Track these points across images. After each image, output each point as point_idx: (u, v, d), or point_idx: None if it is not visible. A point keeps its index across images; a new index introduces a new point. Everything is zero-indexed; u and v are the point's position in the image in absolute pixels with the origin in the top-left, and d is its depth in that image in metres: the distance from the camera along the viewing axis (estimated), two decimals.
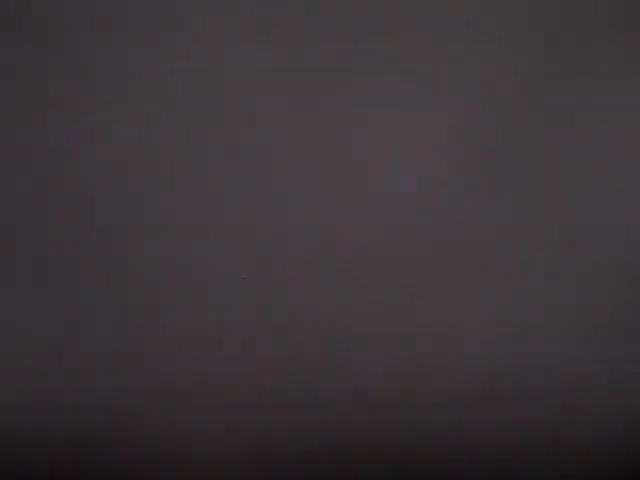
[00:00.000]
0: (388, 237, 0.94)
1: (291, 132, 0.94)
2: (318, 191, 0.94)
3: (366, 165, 0.94)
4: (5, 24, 0.94)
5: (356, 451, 0.94)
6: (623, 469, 0.94)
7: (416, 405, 0.94)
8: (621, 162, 0.95)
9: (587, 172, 0.95)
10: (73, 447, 0.93)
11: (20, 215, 0.93)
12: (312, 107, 0.94)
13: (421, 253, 0.94)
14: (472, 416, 0.94)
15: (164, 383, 0.93)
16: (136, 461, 0.93)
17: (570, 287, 0.95)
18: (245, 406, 0.94)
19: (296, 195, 0.94)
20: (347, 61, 0.94)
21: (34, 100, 0.94)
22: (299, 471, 0.93)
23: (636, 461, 0.94)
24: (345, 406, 0.94)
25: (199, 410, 0.93)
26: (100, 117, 0.94)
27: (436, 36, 0.95)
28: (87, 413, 0.93)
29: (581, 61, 0.95)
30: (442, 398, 0.94)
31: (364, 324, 0.94)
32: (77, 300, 0.93)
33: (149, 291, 0.93)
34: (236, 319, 0.94)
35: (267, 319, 0.94)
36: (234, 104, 0.94)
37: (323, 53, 0.94)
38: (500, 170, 0.95)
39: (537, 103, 0.95)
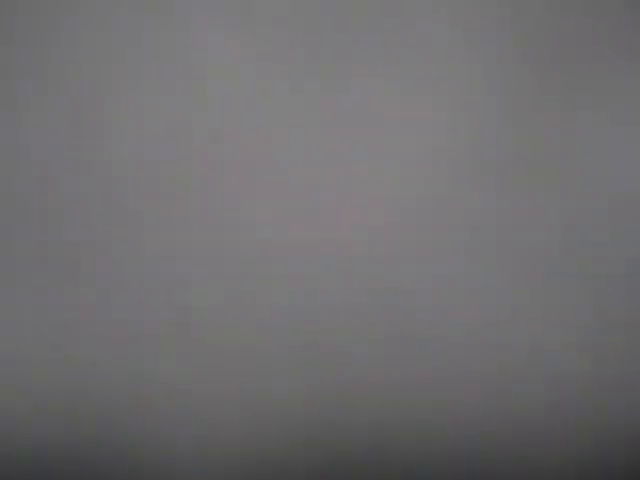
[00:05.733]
0: (388, 237, 0.94)
1: (292, 132, 0.94)
2: (317, 191, 0.94)
3: (366, 165, 0.95)
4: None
5: (357, 450, 0.94)
6: (623, 469, 0.94)
7: (416, 405, 0.94)
8: (621, 162, 0.95)
9: (587, 172, 0.95)
10: (74, 448, 0.93)
11: (20, 215, 0.94)
12: (312, 107, 0.95)
13: (422, 253, 0.94)
14: (472, 416, 0.94)
15: (164, 384, 0.93)
16: (137, 462, 0.93)
17: (571, 287, 0.95)
18: (244, 406, 0.94)
19: (296, 195, 0.94)
20: (347, 61, 0.95)
21: (34, 98, 0.94)
22: (299, 472, 0.93)
23: (636, 461, 0.94)
24: (344, 404, 0.94)
25: (200, 411, 0.93)
26: (102, 115, 0.94)
27: (437, 35, 0.95)
28: (86, 415, 0.93)
29: (582, 60, 0.96)
30: (443, 399, 0.94)
31: (364, 324, 0.94)
32: (77, 301, 0.93)
33: (149, 290, 0.93)
34: (236, 320, 0.94)
35: (267, 319, 0.94)
36: (234, 105, 0.94)
37: (323, 55, 0.95)
38: (500, 170, 0.95)
39: (537, 103, 0.95)
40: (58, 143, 0.94)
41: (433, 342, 0.94)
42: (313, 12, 0.95)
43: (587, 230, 0.95)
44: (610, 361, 0.95)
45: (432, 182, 0.95)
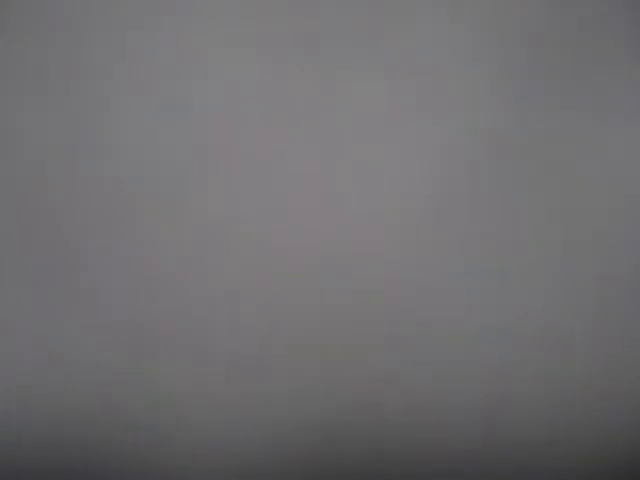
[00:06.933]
0: (389, 238, 0.94)
1: (292, 133, 0.94)
2: (318, 192, 0.94)
3: (367, 166, 0.94)
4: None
5: (357, 450, 0.94)
6: (623, 469, 0.94)
7: (416, 405, 0.94)
8: (620, 162, 0.95)
9: (588, 172, 0.95)
10: (72, 450, 0.93)
11: (20, 215, 0.94)
12: (312, 108, 0.94)
13: (422, 254, 0.94)
14: (472, 416, 0.94)
15: (164, 384, 0.93)
16: (137, 462, 0.93)
17: (571, 288, 0.95)
18: (244, 407, 0.94)
19: (296, 196, 0.94)
20: (347, 62, 0.95)
21: (34, 98, 0.94)
22: (302, 473, 0.93)
23: (636, 461, 0.94)
24: (344, 406, 0.94)
25: (200, 411, 0.93)
26: (102, 115, 0.94)
27: (436, 37, 0.95)
28: (86, 415, 0.93)
29: (582, 61, 0.95)
30: (442, 399, 0.94)
31: (364, 325, 0.94)
32: (77, 301, 0.93)
33: (149, 291, 0.93)
34: (236, 320, 0.94)
35: (267, 319, 0.94)
36: (234, 106, 0.94)
37: (324, 55, 0.95)
38: (501, 170, 0.95)
39: (538, 104, 0.95)
40: (58, 143, 0.94)
41: (432, 343, 0.94)
42: (313, 12, 0.95)
43: (588, 230, 0.95)
44: (611, 361, 0.95)
45: (432, 182, 0.95)
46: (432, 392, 0.94)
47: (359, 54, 0.94)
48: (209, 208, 0.94)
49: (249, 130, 0.94)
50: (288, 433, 0.94)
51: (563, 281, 0.95)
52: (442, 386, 0.94)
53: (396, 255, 0.94)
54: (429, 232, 0.95)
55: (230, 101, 0.94)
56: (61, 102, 0.94)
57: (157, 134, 0.94)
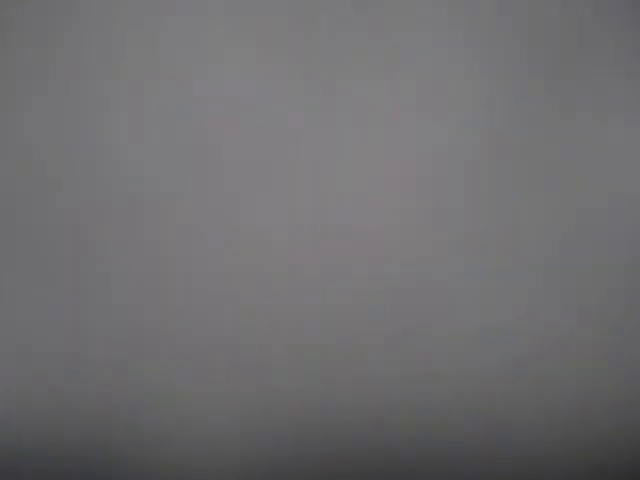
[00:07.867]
0: (389, 238, 0.94)
1: (291, 133, 0.94)
2: (317, 191, 0.94)
3: (366, 165, 0.94)
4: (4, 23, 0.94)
5: (357, 449, 0.94)
6: (623, 469, 0.94)
7: (415, 405, 0.94)
8: (620, 162, 0.95)
9: (587, 172, 0.95)
10: (73, 449, 0.93)
11: (20, 215, 0.94)
12: (313, 108, 0.94)
13: (422, 253, 0.94)
14: (472, 416, 0.94)
15: (164, 384, 0.93)
16: (137, 462, 0.93)
17: (571, 288, 0.95)
18: (244, 406, 0.94)
19: (296, 195, 0.94)
20: (348, 61, 0.95)
21: (35, 98, 0.94)
22: (302, 473, 0.93)
23: (636, 461, 0.94)
24: (344, 404, 0.94)
25: (199, 412, 0.93)
26: (102, 114, 0.94)
27: (436, 37, 0.95)
28: (86, 415, 0.93)
29: (582, 61, 0.95)
30: (442, 399, 0.94)
31: (364, 324, 0.94)
32: (77, 300, 0.93)
33: (149, 291, 0.93)
34: (236, 320, 0.94)
35: (267, 319, 0.94)
36: (234, 106, 0.94)
37: (324, 55, 0.95)
38: (501, 170, 0.95)
39: (538, 102, 0.95)
40: (58, 143, 0.94)
41: (432, 342, 0.94)
42: (313, 12, 0.95)
43: (587, 230, 0.95)
44: (611, 362, 0.95)
45: (432, 182, 0.95)
46: (432, 392, 0.94)
47: (359, 54, 0.94)
48: (209, 208, 0.94)
49: (249, 130, 0.94)
50: (288, 433, 0.94)
51: (563, 281, 0.95)
52: (442, 386, 0.94)
53: (396, 255, 0.94)
54: (429, 232, 0.95)
55: (230, 101, 0.94)
56: (61, 102, 0.94)
57: (157, 134, 0.94)
